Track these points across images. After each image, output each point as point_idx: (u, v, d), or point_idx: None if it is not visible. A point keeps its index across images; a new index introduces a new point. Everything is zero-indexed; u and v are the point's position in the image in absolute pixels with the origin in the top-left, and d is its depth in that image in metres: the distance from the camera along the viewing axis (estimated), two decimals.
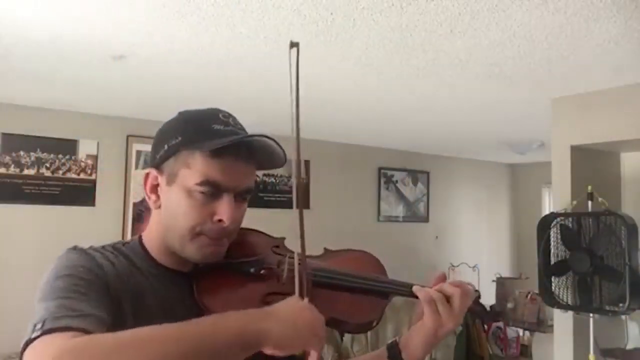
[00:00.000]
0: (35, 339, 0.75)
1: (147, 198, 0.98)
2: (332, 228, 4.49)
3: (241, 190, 0.94)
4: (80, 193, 3.95)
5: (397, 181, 5.79)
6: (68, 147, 3.92)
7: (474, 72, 2.80)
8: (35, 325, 0.76)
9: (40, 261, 4.17)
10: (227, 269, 0.97)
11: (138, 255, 0.96)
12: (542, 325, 4.87)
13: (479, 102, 3.50)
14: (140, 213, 4.18)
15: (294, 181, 0.90)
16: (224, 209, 0.91)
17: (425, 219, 6.03)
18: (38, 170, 3.80)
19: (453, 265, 5.90)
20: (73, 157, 3.94)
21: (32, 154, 3.79)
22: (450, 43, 2.36)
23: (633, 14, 2.02)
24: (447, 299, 0.96)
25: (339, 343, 4.03)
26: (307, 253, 0.91)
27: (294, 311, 0.82)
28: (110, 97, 3.56)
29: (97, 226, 4.00)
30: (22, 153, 3.75)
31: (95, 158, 4.02)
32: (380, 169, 5.66)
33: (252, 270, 0.97)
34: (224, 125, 0.94)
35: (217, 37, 2.34)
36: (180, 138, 0.92)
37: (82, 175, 3.97)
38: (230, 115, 0.98)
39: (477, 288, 1.04)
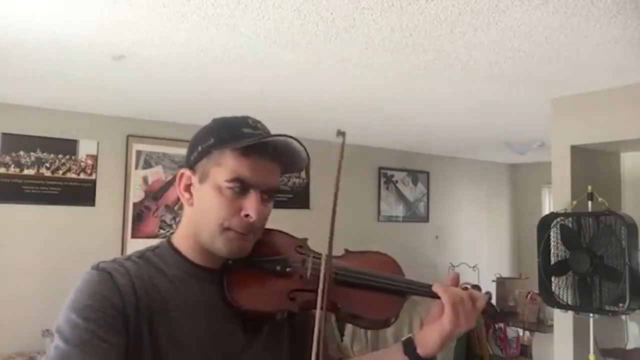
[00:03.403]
0: None
1: (180, 196, 1.05)
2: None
3: (267, 188, 1.01)
4: (80, 193, 3.95)
5: (397, 181, 5.79)
6: (68, 147, 3.92)
7: (474, 72, 2.80)
8: None
9: (40, 261, 4.20)
10: (255, 266, 1.03)
11: (168, 259, 1.03)
12: (542, 325, 4.87)
13: (479, 102, 3.50)
14: (140, 213, 4.19)
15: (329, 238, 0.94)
16: (250, 205, 0.98)
17: (425, 219, 6.03)
18: (38, 170, 3.80)
19: (453, 265, 5.89)
20: (73, 157, 3.94)
21: (32, 154, 3.79)
22: (450, 43, 2.36)
23: (633, 14, 2.02)
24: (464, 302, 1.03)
25: (340, 342, 4.03)
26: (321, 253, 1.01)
27: None
28: (110, 97, 3.56)
29: (97, 226, 4.00)
30: (22, 153, 3.75)
31: (95, 158, 4.02)
32: (380, 169, 5.66)
33: (278, 268, 1.04)
34: (252, 129, 1.01)
35: (217, 37, 2.34)
36: (212, 140, 1.00)
37: (82, 175, 3.97)
38: (258, 121, 1.04)
39: (487, 290, 1.11)
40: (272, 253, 1.06)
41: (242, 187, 0.98)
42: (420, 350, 1.04)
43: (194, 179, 1.02)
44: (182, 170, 1.04)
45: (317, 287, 0.93)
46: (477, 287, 1.12)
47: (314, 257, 1.06)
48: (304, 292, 1.01)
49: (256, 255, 1.04)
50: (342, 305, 1.00)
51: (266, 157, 0.99)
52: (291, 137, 0.97)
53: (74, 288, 0.94)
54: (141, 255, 1.02)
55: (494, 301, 4.93)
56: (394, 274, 1.12)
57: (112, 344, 0.89)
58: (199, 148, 1.01)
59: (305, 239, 1.13)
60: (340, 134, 0.93)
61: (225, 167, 0.98)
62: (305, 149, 1.00)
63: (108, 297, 0.92)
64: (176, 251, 1.04)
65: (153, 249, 1.04)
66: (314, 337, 0.82)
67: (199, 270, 1.02)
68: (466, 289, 1.06)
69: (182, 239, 1.05)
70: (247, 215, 0.98)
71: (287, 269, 1.04)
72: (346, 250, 1.15)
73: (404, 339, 1.08)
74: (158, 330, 0.94)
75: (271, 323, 1.05)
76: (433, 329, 1.04)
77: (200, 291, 1.00)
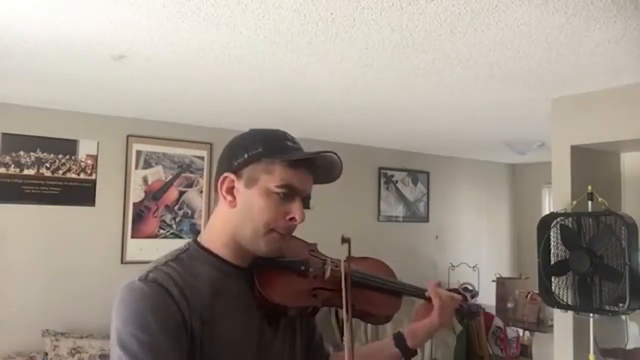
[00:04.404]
0: None
1: (222, 199, 1.12)
2: (332, 228, 4.48)
3: (306, 196, 1.12)
4: (80, 193, 3.95)
5: (397, 181, 5.79)
6: (68, 147, 3.92)
7: (474, 72, 2.80)
8: None
9: (40, 261, 4.20)
10: (281, 266, 1.15)
11: (199, 259, 1.10)
12: (542, 325, 4.87)
13: (479, 102, 3.50)
14: (141, 213, 4.19)
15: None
16: (297, 209, 1.09)
17: (425, 219, 6.03)
18: (38, 170, 3.80)
19: (453, 265, 5.89)
20: (73, 157, 3.94)
21: (32, 154, 3.79)
22: (451, 43, 2.36)
23: (633, 14, 2.02)
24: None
25: (339, 339, 4.03)
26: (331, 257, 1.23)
27: None
28: (110, 97, 3.56)
29: (97, 226, 4.00)
30: (22, 153, 3.75)
31: (95, 158, 4.03)
32: (380, 169, 5.66)
33: (302, 268, 1.17)
34: (293, 143, 1.13)
35: (217, 37, 2.34)
36: (260, 149, 1.09)
37: (82, 175, 3.97)
38: (294, 137, 1.15)
39: (476, 288, 1.39)
40: (290, 255, 1.17)
41: (289, 193, 1.08)
42: (409, 343, 1.25)
43: (238, 183, 1.10)
44: (225, 174, 1.10)
45: (335, 286, 1.14)
46: (455, 290, 1.35)
47: (332, 260, 1.22)
48: (324, 290, 1.16)
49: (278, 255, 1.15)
50: (357, 303, 1.15)
51: (308, 170, 1.11)
52: (334, 153, 1.08)
53: (126, 300, 0.99)
54: (175, 258, 1.08)
55: (493, 301, 4.89)
56: (391, 278, 1.32)
57: (177, 356, 0.96)
58: (245, 155, 1.09)
59: (315, 244, 1.26)
60: (345, 240, 1.10)
61: (275, 175, 1.07)
62: (341, 163, 1.11)
63: (167, 310, 0.98)
64: (208, 252, 1.11)
65: (184, 251, 1.11)
66: (344, 335, 1.00)
67: (231, 268, 1.11)
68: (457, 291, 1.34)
69: (214, 237, 1.12)
70: (292, 219, 1.09)
71: (310, 269, 1.17)
72: (351, 256, 1.24)
73: (393, 333, 1.28)
74: (205, 330, 1.01)
75: (287, 318, 1.17)
76: (422, 324, 1.28)
77: (234, 288, 1.10)
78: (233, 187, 1.10)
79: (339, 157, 1.10)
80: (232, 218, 1.11)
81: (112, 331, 0.97)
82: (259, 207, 1.08)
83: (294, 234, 1.17)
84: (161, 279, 1.01)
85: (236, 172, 1.10)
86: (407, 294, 1.31)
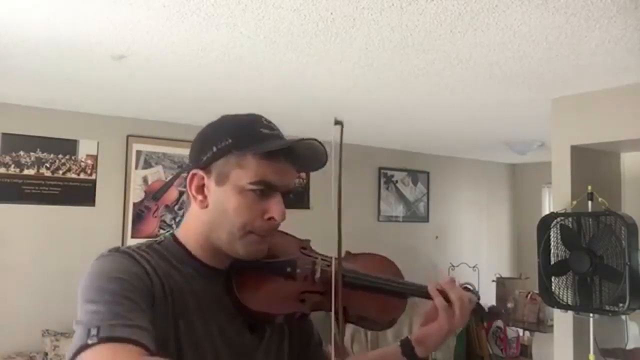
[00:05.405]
0: (92, 345, 0.75)
1: (192, 198, 0.99)
2: (332, 228, 4.48)
3: (287, 190, 0.99)
4: (80, 193, 3.95)
5: (397, 181, 5.79)
6: (68, 147, 3.92)
7: (474, 72, 2.80)
8: (89, 330, 0.77)
9: (40, 261, 4.20)
10: (264, 267, 1.02)
11: (175, 253, 0.99)
12: (542, 325, 4.88)
13: (479, 102, 3.50)
14: (140, 213, 4.19)
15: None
16: (275, 207, 0.96)
17: (425, 219, 6.03)
18: (38, 170, 3.80)
19: (453, 265, 5.89)
20: (73, 157, 3.94)
21: (32, 154, 3.79)
22: (451, 43, 2.36)
23: (633, 14, 2.02)
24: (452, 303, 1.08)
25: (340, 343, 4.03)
26: (325, 254, 1.04)
27: None
28: (110, 97, 3.56)
29: (97, 226, 4.00)
30: (22, 153, 3.75)
31: (95, 158, 4.02)
32: (380, 169, 5.66)
33: (288, 269, 1.03)
34: (269, 129, 0.99)
35: (217, 37, 2.34)
36: (230, 140, 0.95)
37: (82, 175, 3.97)
38: (270, 121, 1.02)
39: (476, 288, 1.17)
40: (278, 254, 1.05)
41: (265, 189, 0.95)
42: (418, 351, 1.09)
43: (208, 181, 0.97)
44: (193, 171, 0.99)
45: (326, 288, 0.97)
46: (465, 288, 1.16)
47: (322, 259, 1.07)
48: (313, 294, 1.02)
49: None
50: (351, 307, 1.01)
51: (287, 160, 0.97)
52: (314, 139, 0.96)
53: (92, 266, 0.89)
54: (149, 246, 0.98)
55: (493, 302, 4.90)
56: (395, 276, 1.14)
57: (145, 310, 0.84)
58: (214, 148, 0.96)
59: (308, 240, 1.13)
60: (338, 123, 0.92)
61: (248, 169, 0.94)
62: (325, 150, 0.98)
63: (137, 273, 0.88)
64: (184, 248, 1.00)
65: (159, 242, 1.00)
66: (331, 338, 0.85)
67: (208, 270, 1.00)
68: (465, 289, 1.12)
69: (189, 238, 1.01)
70: (270, 218, 0.97)
71: (297, 271, 1.03)
72: (348, 252, 1.15)
73: (400, 340, 1.12)
74: (179, 322, 0.91)
75: (272, 326, 1.05)
76: (431, 328, 1.09)
77: (210, 291, 0.98)
78: (203, 185, 0.98)
79: (320, 143, 0.97)
80: (204, 219, 0.99)
81: (78, 296, 0.86)
82: (233, 207, 0.95)
83: (284, 229, 1.07)
84: (131, 252, 0.93)
85: (205, 168, 0.97)
86: (413, 294, 1.12)
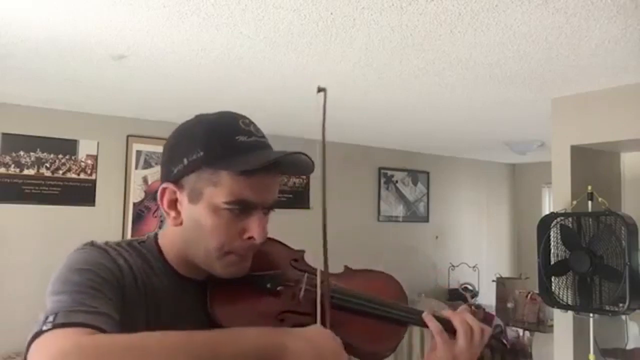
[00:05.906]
0: (45, 331, 0.72)
1: (165, 214, 0.93)
2: (332, 228, 4.47)
3: (269, 205, 0.91)
4: (80, 193, 3.95)
5: (397, 181, 5.79)
6: (68, 147, 3.92)
7: (474, 72, 2.80)
8: (47, 317, 0.74)
9: (40, 261, 4.19)
10: (244, 281, 0.93)
11: (154, 256, 0.94)
12: (542, 325, 4.87)
13: (479, 102, 3.50)
14: (141, 213, 4.19)
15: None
16: (255, 226, 0.88)
17: (425, 219, 6.03)
18: (38, 170, 3.80)
19: (453, 265, 5.89)
20: (73, 157, 3.94)
21: (32, 154, 3.79)
22: (451, 43, 2.36)
23: (633, 14, 2.01)
24: (456, 331, 0.96)
25: None
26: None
27: (318, 333, 0.81)
28: (110, 97, 3.56)
29: (97, 226, 4.00)
30: (22, 153, 3.75)
31: (95, 158, 4.02)
32: (380, 169, 5.66)
33: (268, 285, 0.93)
34: (247, 135, 0.89)
35: (217, 37, 2.34)
36: (202, 153, 0.87)
37: (82, 175, 3.97)
38: (250, 121, 0.92)
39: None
40: (265, 266, 0.95)
41: (243, 208, 0.87)
42: None
43: (181, 196, 0.90)
44: (164, 185, 0.91)
45: (311, 309, 0.87)
46: (479, 308, 1.00)
47: (309, 275, 0.95)
48: (295, 315, 0.90)
49: None
50: (336, 332, 0.84)
51: (268, 173, 0.88)
52: (298, 152, 0.87)
53: (61, 265, 0.86)
54: (129, 243, 0.93)
55: (493, 301, 4.83)
56: (396, 300, 1.01)
57: (111, 299, 0.80)
58: (185, 161, 0.88)
59: (302, 252, 1.03)
60: (321, 90, 0.85)
61: (222, 187, 0.86)
62: (312, 161, 0.91)
63: (106, 265, 0.84)
64: (162, 255, 0.94)
65: (140, 242, 0.96)
66: None
67: (184, 281, 0.94)
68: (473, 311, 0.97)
69: (167, 247, 0.95)
70: (250, 238, 0.89)
71: (279, 288, 0.93)
72: (346, 268, 1.06)
73: None
74: (150, 316, 0.87)
75: None
76: (431, 359, 0.97)
77: (184, 302, 0.92)
78: (176, 200, 0.90)
79: (306, 155, 0.89)
80: (180, 236, 0.92)
81: (47, 289, 0.83)
82: (209, 227, 0.87)
83: (277, 238, 1.00)
84: (106, 247, 0.88)
85: (177, 182, 0.89)
86: (408, 322, 0.99)
